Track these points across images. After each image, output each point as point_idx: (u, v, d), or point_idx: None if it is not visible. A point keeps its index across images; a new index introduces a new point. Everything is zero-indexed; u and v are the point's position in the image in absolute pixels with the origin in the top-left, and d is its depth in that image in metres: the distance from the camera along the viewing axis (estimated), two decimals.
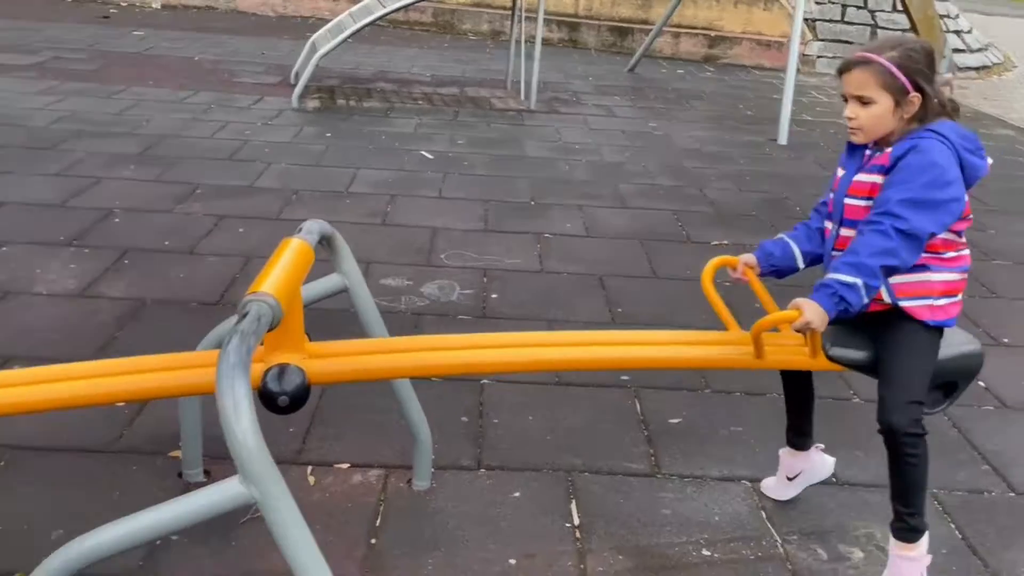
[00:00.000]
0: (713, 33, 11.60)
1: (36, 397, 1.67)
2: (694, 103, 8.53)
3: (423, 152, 5.97)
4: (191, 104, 6.72)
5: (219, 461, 2.51)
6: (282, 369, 1.71)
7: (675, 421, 2.92)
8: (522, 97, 7.83)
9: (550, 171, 5.79)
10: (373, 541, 2.26)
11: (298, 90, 6.98)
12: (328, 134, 6.22)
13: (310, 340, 1.87)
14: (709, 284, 2.17)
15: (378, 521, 2.33)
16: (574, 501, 2.47)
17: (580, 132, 6.96)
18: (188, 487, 2.38)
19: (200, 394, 1.76)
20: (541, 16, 7.46)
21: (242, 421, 1.37)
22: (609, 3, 11.85)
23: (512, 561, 2.21)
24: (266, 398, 1.67)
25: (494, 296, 3.80)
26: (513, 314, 3.64)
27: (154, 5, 11.67)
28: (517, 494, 2.49)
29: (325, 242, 2.17)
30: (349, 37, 7.03)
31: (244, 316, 1.54)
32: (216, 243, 4.11)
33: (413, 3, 7.14)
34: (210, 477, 2.44)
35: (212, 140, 5.81)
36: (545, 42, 8.00)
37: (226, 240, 4.16)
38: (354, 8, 7.79)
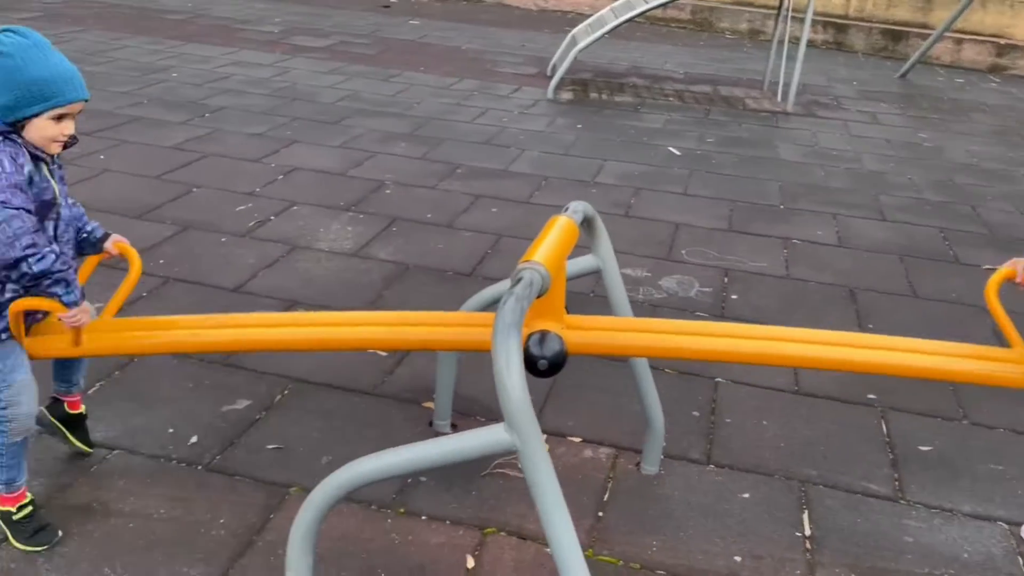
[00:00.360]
0: (1002, 41, 10.50)
1: (340, 336, 1.91)
2: (973, 115, 7.79)
3: (671, 148, 5.96)
4: (456, 90, 7.18)
5: (465, 417, 2.72)
6: (543, 335, 1.82)
7: (925, 449, 2.73)
8: (778, 98, 7.57)
9: (803, 176, 5.56)
10: (600, 514, 2.34)
11: (554, 82, 7.22)
12: (579, 125, 6.39)
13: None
14: (994, 296, 2.01)
15: (606, 496, 2.41)
16: (806, 512, 2.41)
17: (839, 138, 6.61)
18: (437, 436, 2.59)
19: (472, 350, 1.92)
20: (809, 16, 7.15)
21: (513, 375, 1.48)
22: (884, 4, 11.09)
23: (737, 559, 2.20)
24: (527, 361, 1.79)
25: (734, 297, 3.74)
26: (753, 317, 3.57)
27: None
28: (746, 495, 2.46)
29: (586, 224, 2.27)
30: (609, 32, 7.15)
31: (518, 281, 1.67)
32: (472, 219, 4.39)
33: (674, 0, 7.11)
34: (456, 430, 2.64)
35: (472, 125, 6.17)
36: (808, 43, 7.66)
37: (480, 217, 4.43)
38: (616, 3, 7.91)
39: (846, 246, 4.43)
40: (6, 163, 1.79)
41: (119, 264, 2.22)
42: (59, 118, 1.84)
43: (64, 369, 2.27)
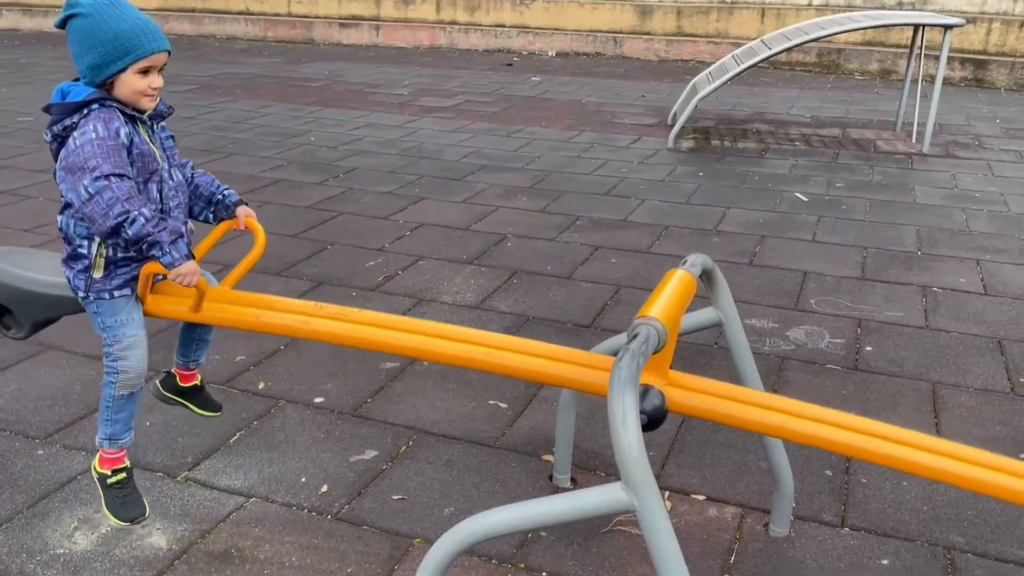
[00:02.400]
0: None
1: (448, 351, 1.92)
2: None
3: (797, 194, 5.81)
4: (576, 143, 7.28)
5: (585, 471, 2.70)
6: (645, 389, 1.80)
7: None
8: (913, 140, 7.25)
9: (942, 220, 5.28)
10: None
11: (675, 131, 7.20)
12: (700, 173, 6.33)
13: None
14: None
15: (732, 558, 2.33)
16: None
17: (982, 179, 6.25)
18: (557, 490, 2.59)
19: (588, 392, 1.90)
20: (945, 52, 6.85)
21: (629, 431, 1.48)
22: None
23: None
24: None
25: (868, 349, 3.57)
26: (890, 370, 3.39)
27: (550, 53, 12.82)
28: (885, 561, 2.32)
29: (705, 276, 2.24)
30: (731, 79, 7.09)
31: (635, 337, 1.67)
32: (591, 271, 4.41)
33: (800, 44, 6.99)
34: (575, 485, 2.63)
35: (592, 176, 6.23)
36: (945, 81, 7.33)
37: (600, 268, 4.44)
38: (738, 51, 7.85)
39: (992, 294, 4.15)
40: (100, 128, 1.82)
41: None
42: (144, 72, 1.88)
43: (187, 343, 2.34)
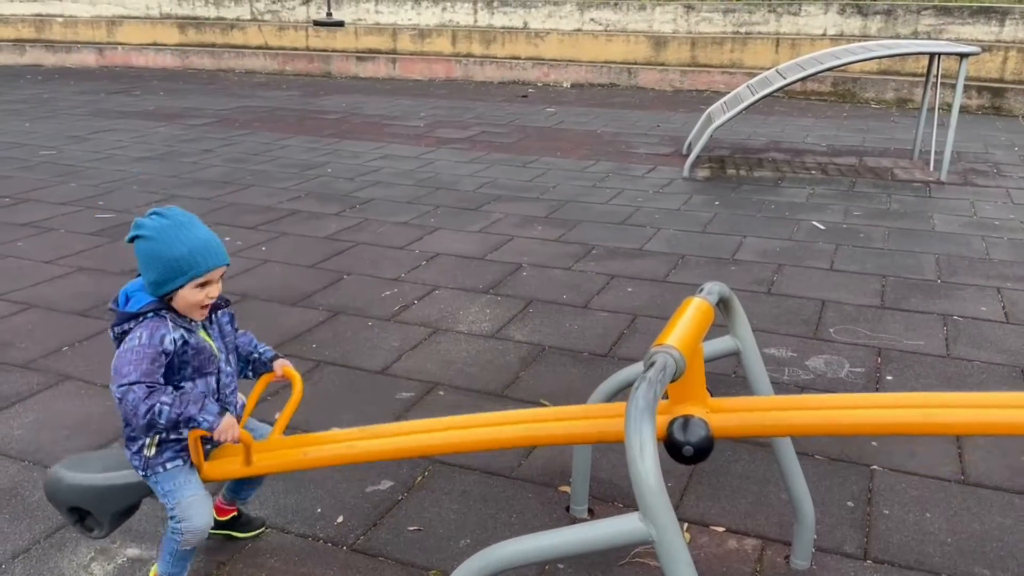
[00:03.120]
0: None
1: (482, 438, 1.99)
2: None
3: (814, 222, 5.79)
4: (591, 172, 7.30)
5: (602, 502, 2.67)
6: (687, 420, 1.78)
7: None
8: (931, 168, 7.23)
9: (962, 248, 5.24)
10: None
11: (690, 160, 7.22)
12: (716, 202, 6.33)
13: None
14: None
15: None
16: None
17: (1001, 207, 6.21)
18: (574, 521, 2.56)
19: (609, 442, 1.91)
20: (961, 81, 6.85)
21: (646, 461, 1.46)
22: None
23: None
24: (672, 447, 1.75)
25: (889, 378, 3.53)
26: None
27: (565, 85, 12.93)
28: None
29: (722, 305, 2.22)
30: (746, 109, 7.11)
31: (651, 365, 1.66)
32: (607, 300, 4.40)
33: (815, 73, 7.01)
34: (593, 516, 2.60)
35: (608, 206, 6.24)
36: (962, 109, 7.32)
37: (616, 298, 4.43)
38: (753, 80, 7.88)
39: (1014, 322, 4.10)
40: (144, 336, 1.96)
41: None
42: (202, 284, 2.01)
43: (239, 483, 2.41)
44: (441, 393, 3.39)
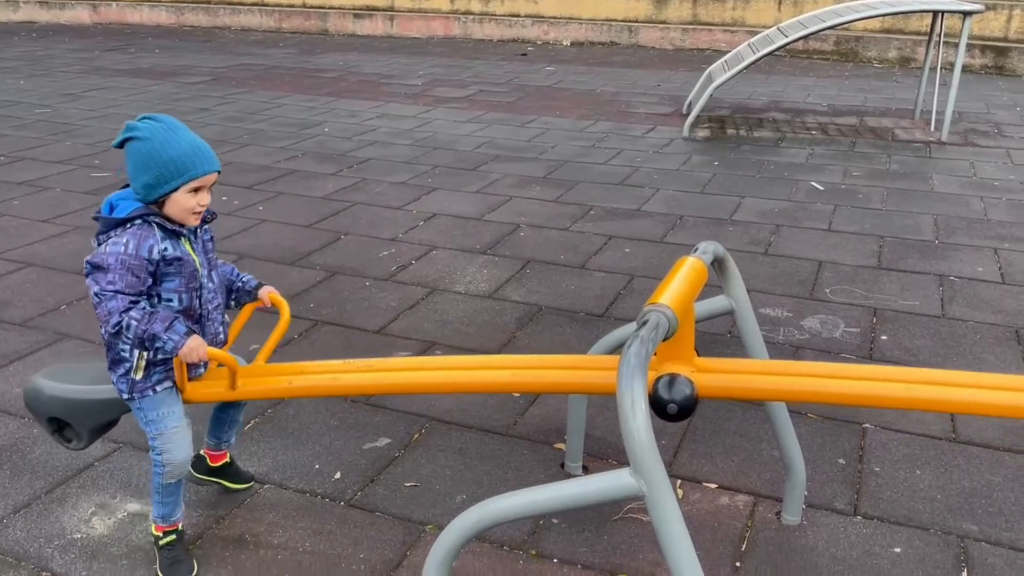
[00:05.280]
0: None
1: (469, 380, 1.97)
2: None
3: (813, 183, 5.76)
4: (590, 132, 7.25)
5: (597, 459, 2.71)
6: (672, 379, 1.80)
7: None
8: (932, 128, 7.18)
9: (960, 208, 5.23)
10: (737, 564, 2.26)
11: (690, 120, 7.16)
12: (715, 163, 6.29)
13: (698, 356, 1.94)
14: None
15: (743, 546, 2.33)
16: (965, 570, 2.23)
17: (1001, 168, 6.18)
18: (568, 478, 2.59)
19: (598, 393, 1.93)
20: (964, 40, 6.77)
21: (638, 417, 1.48)
22: None
23: None
24: (656, 405, 1.77)
25: (884, 338, 3.55)
26: (905, 359, 3.37)
27: (564, 43, 12.77)
28: (897, 549, 2.31)
29: (717, 264, 2.23)
30: (747, 67, 7.04)
31: (644, 324, 1.66)
32: (604, 260, 4.40)
33: (818, 31, 6.92)
34: (587, 472, 2.63)
35: (606, 166, 6.21)
36: (965, 68, 7.25)
37: (613, 258, 4.43)
38: (754, 39, 7.79)
39: (1010, 283, 4.11)
40: (131, 245, 1.94)
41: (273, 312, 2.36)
42: (195, 190, 1.99)
43: (218, 425, 2.42)
44: (438, 352, 3.41)
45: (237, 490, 2.53)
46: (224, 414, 2.41)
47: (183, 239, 2.04)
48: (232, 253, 4.40)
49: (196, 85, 9.17)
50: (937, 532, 2.38)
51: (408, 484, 2.59)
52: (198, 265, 2.08)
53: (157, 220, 1.99)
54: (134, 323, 1.92)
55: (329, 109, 8.08)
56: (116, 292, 1.92)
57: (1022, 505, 2.49)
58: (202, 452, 2.48)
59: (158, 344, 1.96)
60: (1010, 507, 2.48)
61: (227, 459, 2.50)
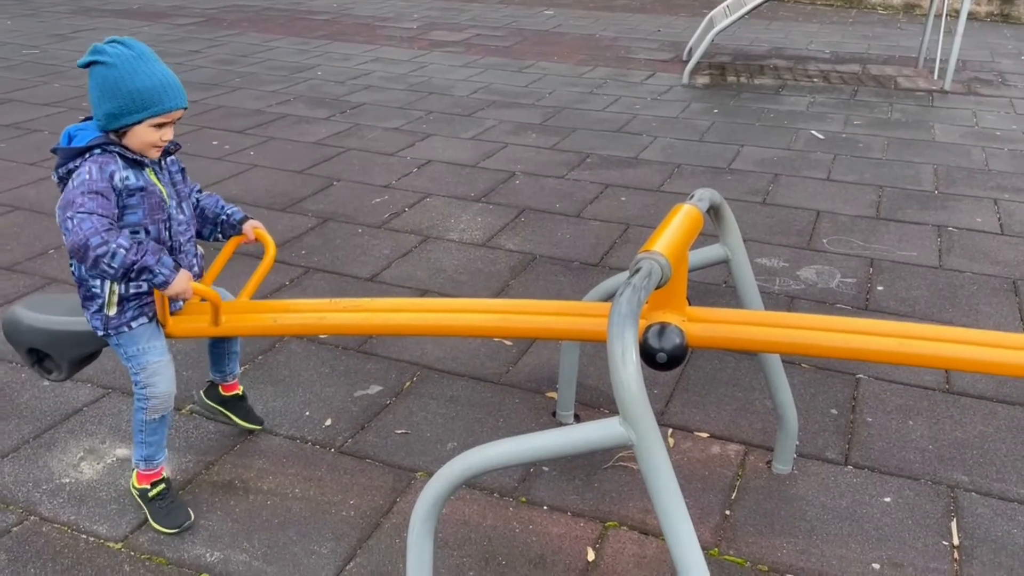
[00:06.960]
0: None
1: (457, 323, 1.94)
2: None
3: (813, 132, 5.68)
4: (588, 79, 7.12)
5: (588, 408, 2.70)
6: (662, 327, 1.77)
7: None
8: (935, 76, 7.06)
9: (961, 158, 5.17)
10: (727, 513, 2.26)
11: (690, 66, 7.04)
12: (715, 110, 6.20)
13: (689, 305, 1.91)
14: None
15: (734, 495, 2.33)
16: (955, 519, 2.23)
17: (1004, 117, 6.09)
18: (560, 426, 2.58)
19: (589, 340, 1.90)
20: None
21: (628, 366, 1.45)
22: None
23: (876, 566, 2.08)
24: (646, 353, 1.74)
25: (880, 288, 3.53)
26: (901, 310, 3.35)
27: None
28: (887, 499, 2.31)
29: (712, 212, 2.18)
30: (749, 12, 6.88)
31: (636, 271, 1.63)
32: (600, 209, 4.35)
33: None
34: (578, 421, 2.62)
35: (604, 113, 6.11)
36: (970, 16, 7.10)
37: (609, 207, 4.38)
38: None
39: (1009, 234, 4.08)
40: (93, 171, 1.86)
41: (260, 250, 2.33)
42: (159, 125, 1.91)
43: (217, 359, 2.40)
44: (424, 298, 3.38)
45: (245, 429, 2.50)
46: (220, 347, 2.38)
47: (147, 169, 1.97)
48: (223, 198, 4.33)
49: (186, 27, 8.97)
50: (927, 482, 2.38)
51: (399, 431, 2.58)
52: (165, 196, 2.00)
53: (117, 150, 1.91)
54: (122, 252, 1.83)
55: (322, 52, 7.92)
56: (89, 213, 1.82)
57: (1013, 456, 2.49)
58: (214, 382, 2.45)
59: (147, 277, 1.89)
60: (1001, 458, 2.48)
61: (239, 391, 2.47)
